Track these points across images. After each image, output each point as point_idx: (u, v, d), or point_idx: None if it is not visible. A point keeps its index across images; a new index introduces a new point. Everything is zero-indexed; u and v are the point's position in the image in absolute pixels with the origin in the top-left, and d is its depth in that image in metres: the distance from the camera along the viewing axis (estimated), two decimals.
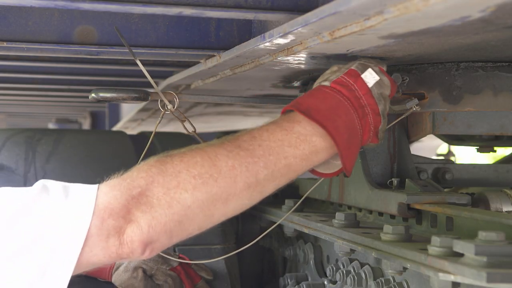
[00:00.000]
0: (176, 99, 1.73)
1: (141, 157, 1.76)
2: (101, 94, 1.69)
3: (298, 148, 1.47)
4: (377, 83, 1.59)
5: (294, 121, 1.49)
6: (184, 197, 1.37)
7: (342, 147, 1.49)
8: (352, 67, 1.59)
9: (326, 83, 1.58)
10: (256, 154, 1.43)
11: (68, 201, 1.36)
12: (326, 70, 1.67)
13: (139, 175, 1.39)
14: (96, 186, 1.40)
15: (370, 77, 1.59)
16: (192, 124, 1.79)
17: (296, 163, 1.48)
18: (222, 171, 1.40)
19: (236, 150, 1.42)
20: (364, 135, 1.57)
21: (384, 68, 1.64)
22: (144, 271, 2.06)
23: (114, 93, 1.69)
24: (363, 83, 1.57)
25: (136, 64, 2.63)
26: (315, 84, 1.64)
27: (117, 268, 2.07)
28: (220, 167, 1.40)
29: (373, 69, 1.59)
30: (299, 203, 2.01)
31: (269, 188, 1.48)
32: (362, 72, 1.58)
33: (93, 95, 1.71)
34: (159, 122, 1.77)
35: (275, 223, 2.05)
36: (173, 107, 1.75)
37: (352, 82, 1.56)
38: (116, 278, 2.06)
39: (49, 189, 1.40)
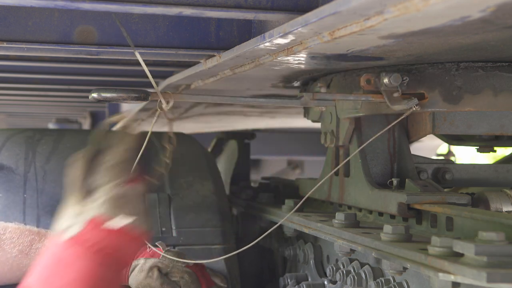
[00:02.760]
0: (171, 99, 1.73)
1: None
2: (101, 94, 1.69)
3: None
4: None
5: None
6: None
7: None
8: (94, 216, 1.49)
9: (67, 236, 1.47)
10: None
11: None
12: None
13: None
14: None
15: (119, 223, 1.49)
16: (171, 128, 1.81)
17: None
18: None
19: None
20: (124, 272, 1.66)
21: None
22: (160, 270, 2.05)
23: (114, 93, 1.69)
24: (110, 230, 1.49)
25: (136, 64, 2.63)
26: None
27: (133, 269, 2.06)
28: None
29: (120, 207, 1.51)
30: (300, 203, 2.01)
31: None
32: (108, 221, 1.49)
33: (93, 95, 1.71)
34: (155, 121, 1.77)
35: (275, 223, 2.05)
36: (168, 107, 1.74)
37: (95, 233, 1.47)
38: (132, 280, 2.05)
39: None
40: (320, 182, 2.02)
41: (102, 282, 1.44)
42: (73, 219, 1.49)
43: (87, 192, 1.53)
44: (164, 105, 1.72)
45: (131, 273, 2.06)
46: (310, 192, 1.96)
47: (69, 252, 1.44)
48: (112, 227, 1.47)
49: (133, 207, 1.51)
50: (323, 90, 2.05)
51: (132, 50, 1.89)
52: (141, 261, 2.03)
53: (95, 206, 1.48)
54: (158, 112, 1.76)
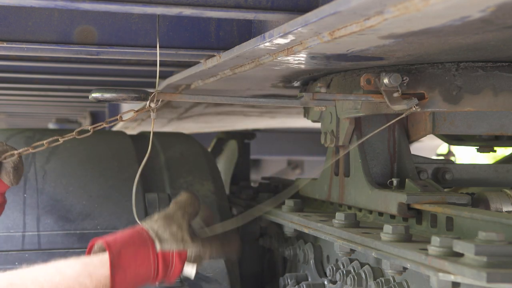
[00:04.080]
0: (156, 99, 1.72)
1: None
2: (101, 94, 1.69)
3: None
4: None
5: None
6: None
7: None
8: (188, 252, 1.68)
9: (157, 246, 1.66)
10: None
11: None
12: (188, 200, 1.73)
13: None
14: None
15: (190, 270, 1.70)
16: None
17: None
18: None
19: None
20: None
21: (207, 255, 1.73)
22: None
23: (114, 93, 1.69)
24: (182, 267, 1.70)
25: (136, 64, 2.64)
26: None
27: None
28: None
29: (201, 257, 1.70)
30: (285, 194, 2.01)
31: None
32: (190, 262, 1.69)
33: (93, 95, 1.71)
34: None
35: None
36: (156, 106, 1.74)
37: (173, 263, 1.68)
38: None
39: None
40: (304, 183, 2.01)
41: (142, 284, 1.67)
42: (171, 236, 1.67)
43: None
44: (153, 105, 1.71)
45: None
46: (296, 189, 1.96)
47: (150, 255, 1.65)
48: (185, 268, 1.70)
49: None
50: (323, 90, 2.05)
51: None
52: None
53: (191, 246, 1.69)
54: (155, 111, 1.75)
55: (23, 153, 1.86)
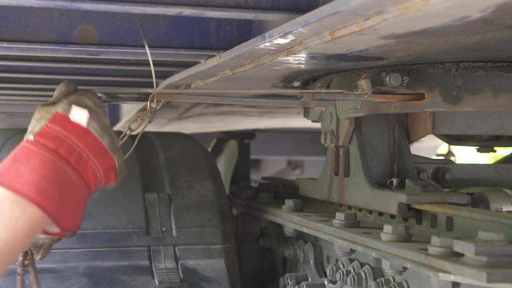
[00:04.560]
0: (155, 99, 1.72)
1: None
2: (101, 95, 1.69)
3: (15, 228, 1.38)
4: (93, 118, 1.50)
5: (1, 198, 1.39)
6: None
7: (54, 212, 1.41)
8: (58, 110, 1.49)
9: (30, 137, 1.46)
10: None
11: None
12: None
13: None
14: None
15: (80, 115, 1.48)
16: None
17: (18, 244, 1.39)
18: None
19: None
20: (90, 183, 1.49)
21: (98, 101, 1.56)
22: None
23: (114, 93, 1.69)
24: (75, 125, 1.48)
25: (136, 64, 2.64)
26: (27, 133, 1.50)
27: None
28: None
29: (82, 104, 1.50)
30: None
31: None
32: (70, 113, 1.48)
33: None
34: (140, 118, 1.76)
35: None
36: (157, 106, 1.73)
37: (59, 130, 1.46)
38: None
39: None
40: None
41: (65, 180, 1.44)
42: (37, 121, 1.49)
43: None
44: (154, 105, 1.71)
45: None
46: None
47: (30, 147, 1.44)
48: (77, 119, 1.48)
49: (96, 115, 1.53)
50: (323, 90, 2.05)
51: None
52: None
53: (57, 106, 1.50)
54: (154, 113, 1.75)
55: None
